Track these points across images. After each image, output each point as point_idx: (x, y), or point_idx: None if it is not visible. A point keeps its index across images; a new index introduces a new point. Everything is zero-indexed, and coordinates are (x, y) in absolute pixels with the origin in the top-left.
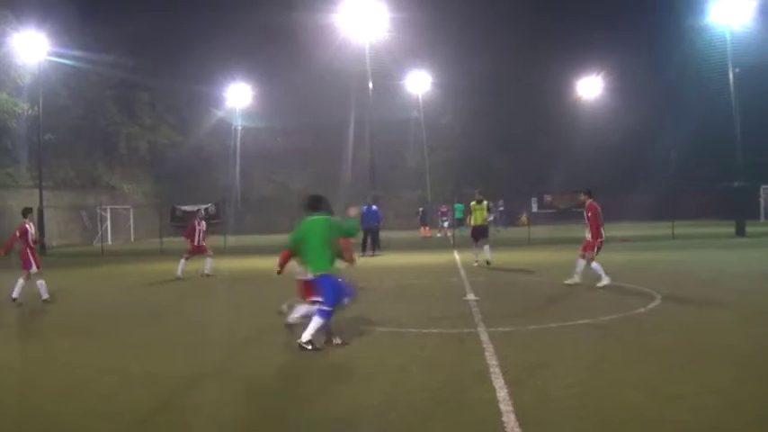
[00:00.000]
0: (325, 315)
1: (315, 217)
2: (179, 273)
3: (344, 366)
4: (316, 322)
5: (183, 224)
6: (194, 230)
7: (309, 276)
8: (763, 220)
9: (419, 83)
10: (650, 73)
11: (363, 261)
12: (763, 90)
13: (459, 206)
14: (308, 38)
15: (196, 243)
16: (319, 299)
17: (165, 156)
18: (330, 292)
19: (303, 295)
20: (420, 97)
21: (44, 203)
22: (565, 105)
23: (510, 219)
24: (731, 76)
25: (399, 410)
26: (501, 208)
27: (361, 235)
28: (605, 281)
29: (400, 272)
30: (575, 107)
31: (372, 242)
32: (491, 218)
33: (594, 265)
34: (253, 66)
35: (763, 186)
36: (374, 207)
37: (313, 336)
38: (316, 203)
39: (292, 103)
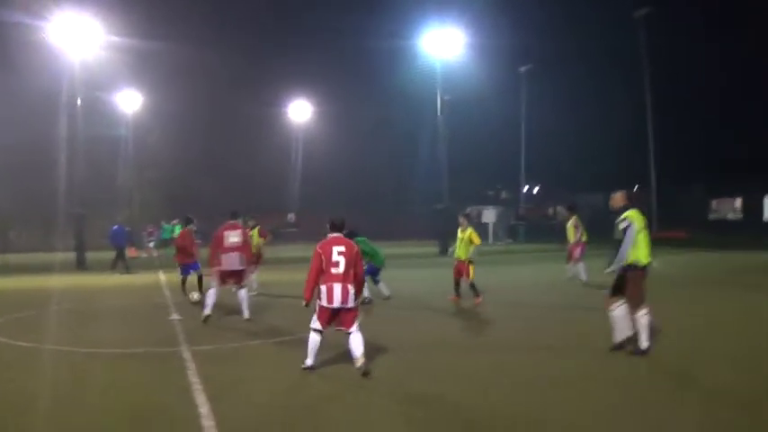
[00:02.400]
0: None
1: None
2: None
3: (46, 388)
4: None
5: None
6: None
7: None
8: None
9: (130, 101)
10: (362, 98)
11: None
12: (468, 118)
13: (167, 227)
14: (16, 50)
15: None
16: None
17: None
18: None
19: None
20: (130, 116)
21: None
22: (275, 129)
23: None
24: (439, 103)
25: (104, 431)
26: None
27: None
28: None
29: (106, 292)
30: (284, 129)
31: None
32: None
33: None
34: None
35: (469, 208)
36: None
37: None
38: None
39: None
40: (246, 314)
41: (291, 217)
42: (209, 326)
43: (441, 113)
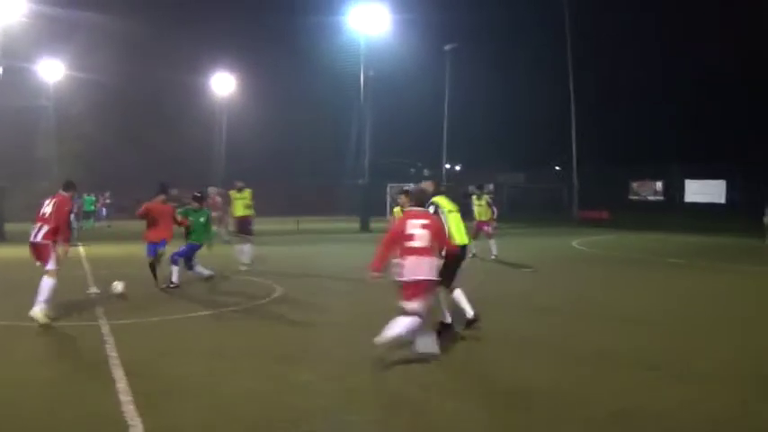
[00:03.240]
0: None
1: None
2: None
3: None
4: None
5: None
6: None
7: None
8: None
9: (51, 71)
10: (288, 72)
11: None
12: (392, 95)
13: (88, 198)
14: None
15: None
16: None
17: None
18: None
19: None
20: (51, 86)
21: None
22: (198, 100)
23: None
24: (362, 79)
25: (18, 405)
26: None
27: None
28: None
29: (23, 265)
30: (209, 102)
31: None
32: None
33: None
34: None
35: (390, 185)
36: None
37: None
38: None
39: None
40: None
41: (213, 190)
42: (130, 300)
43: (364, 89)
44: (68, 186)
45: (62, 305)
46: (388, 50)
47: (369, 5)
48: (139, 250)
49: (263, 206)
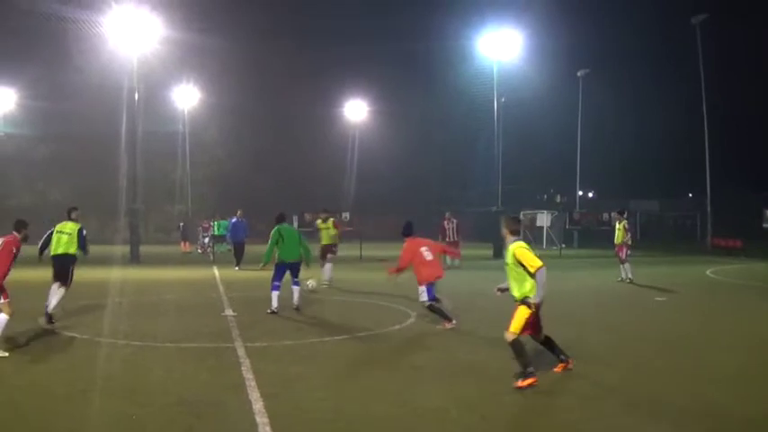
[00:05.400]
0: None
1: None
2: None
3: (100, 380)
4: None
5: None
6: None
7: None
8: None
9: (186, 97)
10: (418, 98)
11: (129, 274)
12: (523, 121)
13: (223, 222)
14: (76, 45)
15: None
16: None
17: None
18: None
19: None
20: (186, 112)
21: None
22: (330, 128)
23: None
24: (496, 105)
25: (158, 423)
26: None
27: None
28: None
29: (159, 286)
30: (341, 130)
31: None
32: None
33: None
34: (16, 69)
35: (523, 212)
36: (243, 220)
37: None
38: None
39: (57, 111)
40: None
41: (346, 216)
42: (264, 323)
43: (497, 115)
44: (19, 225)
45: (199, 327)
46: (519, 76)
47: (501, 31)
48: (268, 274)
49: (392, 232)
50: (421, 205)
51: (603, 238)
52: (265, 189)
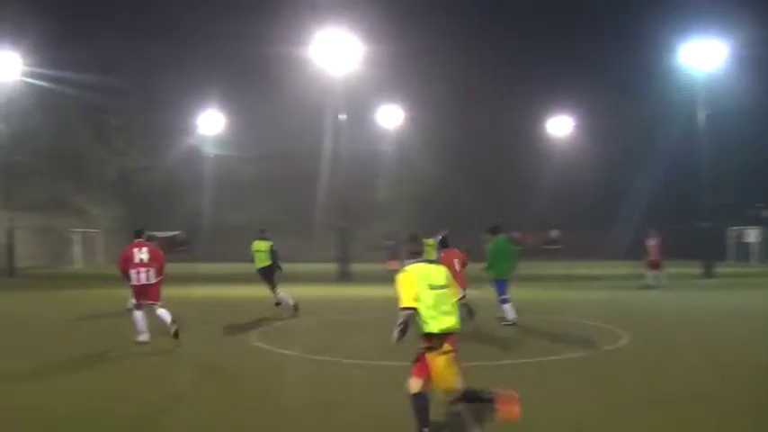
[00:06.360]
0: None
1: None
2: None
3: (306, 397)
4: None
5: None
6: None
7: None
8: (731, 261)
9: (391, 116)
10: (621, 111)
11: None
12: (731, 133)
13: (429, 241)
14: (282, 69)
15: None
16: None
17: (135, 180)
18: None
19: None
20: (391, 131)
21: (13, 224)
22: (534, 142)
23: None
24: (701, 118)
25: None
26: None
27: None
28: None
29: (370, 303)
30: (544, 144)
31: None
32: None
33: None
34: (226, 94)
35: (731, 228)
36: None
37: None
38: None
39: (264, 132)
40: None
41: (555, 234)
42: (474, 342)
43: (701, 129)
44: (139, 233)
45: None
46: (725, 87)
47: (704, 41)
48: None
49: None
50: (622, 220)
51: None
52: (469, 206)
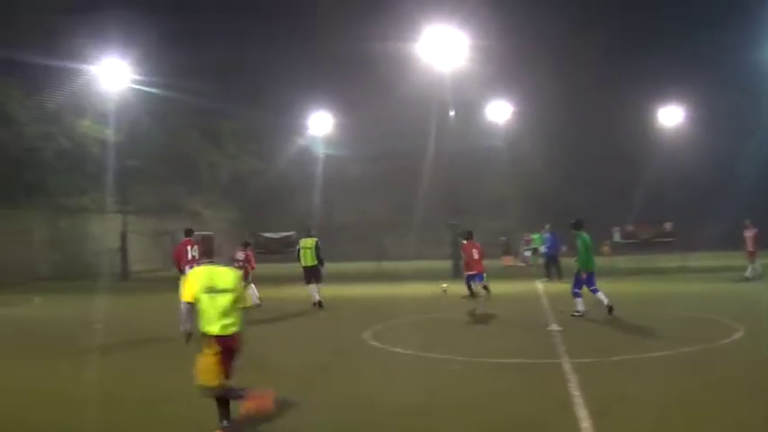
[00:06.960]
0: None
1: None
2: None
3: (427, 395)
4: None
5: (264, 251)
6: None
7: None
8: None
9: (499, 111)
10: (732, 102)
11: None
12: None
13: (536, 236)
14: (389, 66)
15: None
16: None
17: (247, 183)
18: None
19: None
20: (501, 126)
21: (127, 228)
22: (645, 133)
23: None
24: None
25: None
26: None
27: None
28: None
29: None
30: (655, 136)
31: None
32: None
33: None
34: (334, 94)
35: None
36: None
37: None
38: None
39: (373, 130)
40: None
41: (668, 226)
42: (590, 337)
43: None
44: (190, 232)
45: (524, 342)
46: None
47: None
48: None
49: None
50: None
51: None
52: (581, 201)
